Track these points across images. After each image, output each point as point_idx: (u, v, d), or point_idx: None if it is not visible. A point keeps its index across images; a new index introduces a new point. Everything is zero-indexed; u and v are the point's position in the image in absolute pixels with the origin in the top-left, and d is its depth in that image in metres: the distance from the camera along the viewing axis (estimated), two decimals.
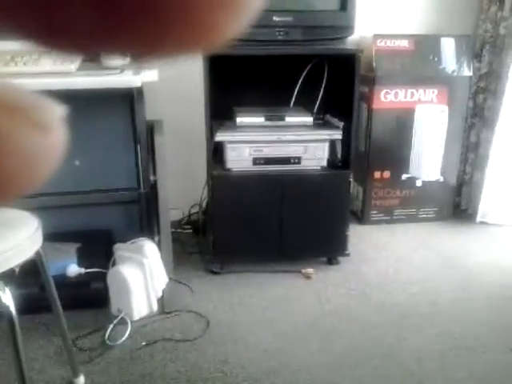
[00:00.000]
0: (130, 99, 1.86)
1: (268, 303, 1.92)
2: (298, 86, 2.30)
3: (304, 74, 2.27)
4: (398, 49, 2.42)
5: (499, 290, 2.04)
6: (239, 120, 2.05)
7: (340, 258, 2.24)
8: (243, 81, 2.31)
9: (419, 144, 2.54)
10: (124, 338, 1.68)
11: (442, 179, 2.64)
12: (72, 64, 1.56)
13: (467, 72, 2.50)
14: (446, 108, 2.50)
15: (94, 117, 1.92)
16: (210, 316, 1.83)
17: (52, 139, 0.16)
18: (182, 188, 2.59)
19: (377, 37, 2.41)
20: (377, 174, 2.59)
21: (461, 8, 2.64)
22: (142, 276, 1.79)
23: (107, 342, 1.67)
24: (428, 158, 2.57)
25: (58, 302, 1.40)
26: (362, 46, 2.48)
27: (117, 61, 1.67)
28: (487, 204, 2.67)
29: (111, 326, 1.72)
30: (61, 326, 1.43)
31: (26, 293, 1.70)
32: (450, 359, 1.60)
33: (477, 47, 2.61)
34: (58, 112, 0.17)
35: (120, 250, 1.87)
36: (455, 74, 2.48)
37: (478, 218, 2.65)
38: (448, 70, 2.48)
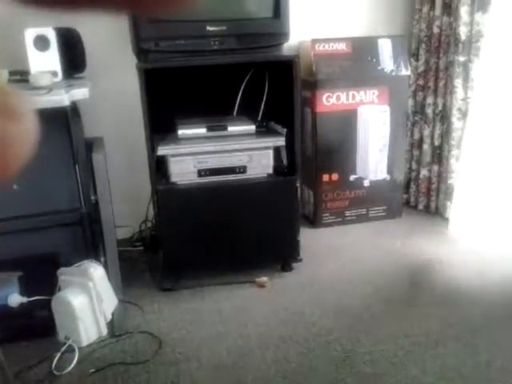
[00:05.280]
0: (65, 118, 1.81)
1: (222, 317, 1.89)
2: (240, 94, 2.29)
3: (244, 82, 2.27)
4: (336, 52, 2.45)
5: (450, 286, 2.08)
6: (181, 132, 2.02)
7: (294, 264, 2.23)
8: (185, 92, 2.28)
9: (364, 144, 2.57)
10: (72, 366, 1.62)
11: (389, 177, 2.68)
12: None
13: (405, 71, 2.55)
14: (387, 108, 2.54)
15: None
16: (162, 335, 1.78)
17: (22, 127, 0.17)
18: (130, 205, 2.53)
19: (315, 41, 2.43)
20: (325, 177, 2.60)
21: (395, 9, 2.70)
22: (88, 300, 1.73)
23: (54, 371, 1.60)
24: (374, 158, 2.61)
25: None
26: (301, 50, 2.50)
27: (45, 80, 1.61)
28: (437, 200, 2.73)
29: (58, 354, 1.66)
30: None
31: None
32: (402, 358, 1.61)
33: (413, 46, 2.68)
34: (27, 100, 0.17)
35: (64, 274, 1.80)
36: (394, 73, 2.53)
37: (428, 213, 2.70)
38: (387, 70, 2.52)
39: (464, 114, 2.49)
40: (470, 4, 2.35)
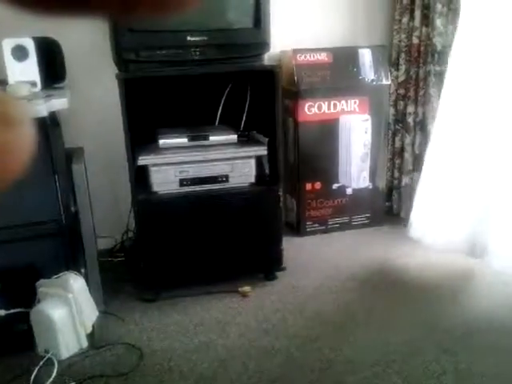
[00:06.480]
0: (44, 129, 1.79)
1: (204, 327, 1.88)
2: (222, 104, 2.29)
3: (226, 92, 2.27)
4: (317, 62, 2.47)
5: (433, 292, 2.09)
6: (162, 142, 2.01)
7: (277, 273, 2.23)
8: (166, 102, 2.28)
9: (346, 153, 2.59)
10: (51, 380, 1.59)
11: (371, 186, 2.70)
12: None
13: (386, 81, 2.58)
14: (368, 117, 2.56)
15: None
16: (143, 347, 1.76)
17: (21, 134, 0.17)
18: (112, 215, 2.51)
19: (296, 51, 2.44)
20: (308, 186, 2.61)
21: (375, 19, 2.73)
22: (68, 312, 1.71)
23: None
24: (356, 166, 2.63)
25: None
26: (283, 60, 2.51)
27: (23, 90, 1.60)
28: (417, 207, 2.74)
29: (37, 368, 1.63)
30: None
31: None
32: (384, 367, 1.61)
33: (393, 56, 2.71)
34: (24, 107, 0.17)
35: (43, 286, 1.78)
36: (374, 83, 2.56)
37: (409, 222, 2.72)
38: (367, 79, 2.55)
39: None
40: (446, 15, 2.39)
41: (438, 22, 2.41)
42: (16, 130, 0.17)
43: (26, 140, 0.17)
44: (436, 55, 2.47)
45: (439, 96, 2.48)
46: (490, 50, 2.18)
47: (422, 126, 2.65)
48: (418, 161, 2.71)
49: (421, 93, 2.62)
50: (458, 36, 2.29)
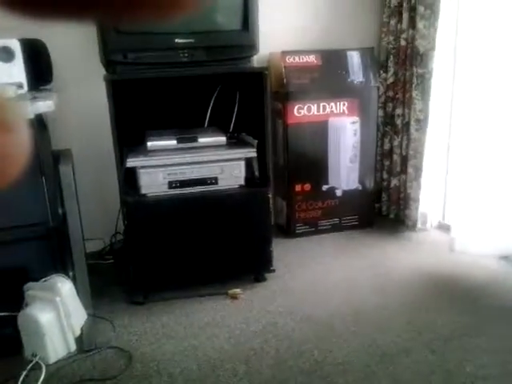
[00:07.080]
0: (31, 131, 1.78)
1: (193, 330, 1.87)
2: (211, 106, 2.29)
3: (215, 94, 2.27)
4: (306, 64, 2.47)
5: (421, 294, 2.10)
6: (150, 144, 2.00)
7: (267, 275, 2.23)
8: (155, 104, 2.27)
9: (335, 155, 2.59)
10: None
11: (360, 187, 2.70)
12: None
13: (374, 83, 2.59)
14: (357, 119, 2.57)
15: None
16: (132, 350, 1.75)
17: (15, 138, 0.17)
18: (102, 217, 2.50)
19: (285, 53, 2.45)
20: (298, 187, 2.61)
21: (364, 22, 2.75)
22: (56, 316, 1.70)
23: None
24: (345, 168, 2.63)
25: None
26: (272, 62, 2.52)
27: (9, 92, 1.58)
28: (408, 209, 2.75)
29: (24, 372, 1.61)
30: None
31: None
32: (374, 368, 1.62)
33: (382, 58, 2.72)
34: (19, 111, 0.17)
35: (31, 289, 1.76)
36: (363, 85, 2.57)
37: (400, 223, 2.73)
38: (356, 81, 2.56)
39: (421, 125, 2.55)
40: (428, 18, 2.41)
41: (421, 25, 2.43)
42: (12, 134, 0.17)
43: (21, 143, 0.17)
44: (419, 58, 2.49)
45: (422, 98, 2.51)
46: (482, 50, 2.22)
47: (408, 128, 2.66)
48: (405, 162, 2.72)
49: (407, 95, 2.63)
50: (440, 38, 2.33)
